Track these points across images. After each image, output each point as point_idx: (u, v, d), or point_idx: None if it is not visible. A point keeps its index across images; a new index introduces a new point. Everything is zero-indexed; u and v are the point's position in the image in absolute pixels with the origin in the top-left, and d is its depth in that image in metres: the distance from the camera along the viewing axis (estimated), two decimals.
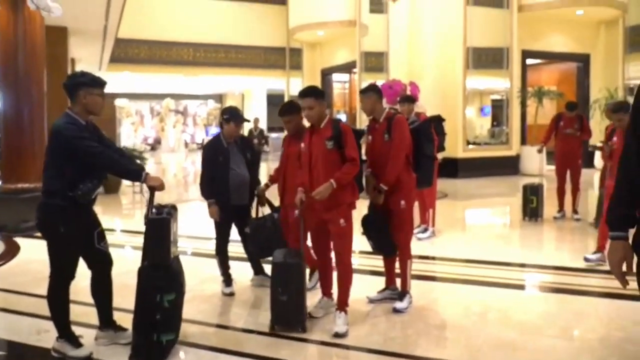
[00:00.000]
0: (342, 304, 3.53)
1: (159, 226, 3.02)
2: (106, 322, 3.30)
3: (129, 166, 3.22)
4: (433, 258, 5.48)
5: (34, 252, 5.05)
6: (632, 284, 1.87)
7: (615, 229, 1.85)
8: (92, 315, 3.38)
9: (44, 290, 3.14)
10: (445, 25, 12.70)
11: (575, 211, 7.28)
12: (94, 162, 3.02)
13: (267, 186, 4.32)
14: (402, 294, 3.93)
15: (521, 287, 4.63)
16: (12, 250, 2.00)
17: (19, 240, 6.00)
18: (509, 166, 13.10)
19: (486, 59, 12.97)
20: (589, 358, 3.18)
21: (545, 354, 3.20)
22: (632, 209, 1.80)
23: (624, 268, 1.83)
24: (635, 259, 1.82)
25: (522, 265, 5.19)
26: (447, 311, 4.00)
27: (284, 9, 16.42)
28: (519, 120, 13.60)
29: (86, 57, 13.13)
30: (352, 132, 3.53)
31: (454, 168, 12.47)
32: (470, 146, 13.51)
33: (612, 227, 1.87)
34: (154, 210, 3.12)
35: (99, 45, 11.69)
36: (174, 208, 3.18)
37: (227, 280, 4.34)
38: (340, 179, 3.40)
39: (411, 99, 6.36)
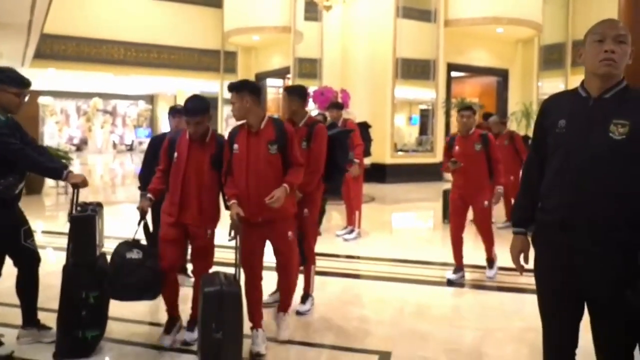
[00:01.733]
0: (287, 307, 3.55)
1: (84, 224, 3.04)
2: (30, 320, 3.27)
3: (49, 164, 3.20)
4: (358, 257, 5.74)
5: None
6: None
7: (517, 226, 2.20)
8: (12, 315, 3.33)
9: None
10: (377, 36, 13.20)
11: None
12: (13, 159, 3.00)
13: (150, 200, 3.29)
14: (305, 296, 4.01)
15: (439, 283, 4.97)
16: None
17: None
18: (434, 173, 13.75)
19: (414, 70, 13.58)
20: (491, 345, 3.52)
21: (453, 343, 3.51)
22: (531, 211, 2.13)
23: (522, 259, 2.17)
24: (531, 253, 2.14)
25: (442, 264, 5.55)
26: (367, 306, 4.26)
27: (219, 11, 16.37)
28: (444, 130, 14.32)
29: (8, 52, 12.50)
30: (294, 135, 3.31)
31: (382, 173, 12.98)
32: (399, 153, 14.12)
33: (514, 224, 2.21)
34: (78, 208, 3.14)
35: (23, 40, 11.20)
36: (99, 205, 3.21)
37: None
38: (292, 182, 3.17)
39: (340, 106, 6.66)
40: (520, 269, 2.19)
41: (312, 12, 13.58)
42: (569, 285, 1.98)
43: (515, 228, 2.22)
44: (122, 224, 6.49)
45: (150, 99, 28.04)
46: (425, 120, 17.20)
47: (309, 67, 13.76)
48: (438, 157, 13.97)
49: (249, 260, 3.20)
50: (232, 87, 3.18)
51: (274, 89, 19.69)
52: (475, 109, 4.93)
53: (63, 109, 27.27)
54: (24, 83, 3.14)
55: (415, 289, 4.72)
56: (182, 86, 21.84)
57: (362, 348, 3.39)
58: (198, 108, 3.15)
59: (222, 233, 3.25)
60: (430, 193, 11.87)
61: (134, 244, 3.06)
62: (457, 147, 4.77)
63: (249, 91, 3.14)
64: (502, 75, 15.20)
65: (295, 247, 3.37)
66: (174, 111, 4.40)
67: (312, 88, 10.56)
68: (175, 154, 3.19)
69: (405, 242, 6.90)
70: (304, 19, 13.68)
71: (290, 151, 3.18)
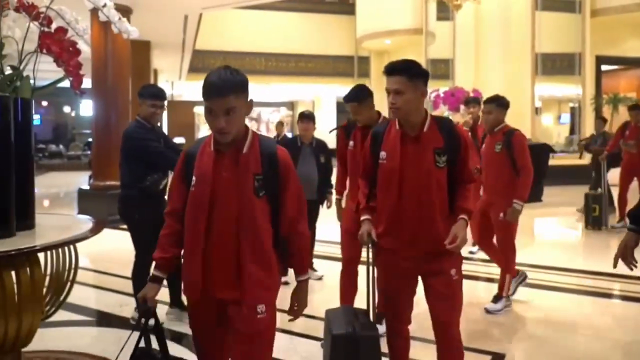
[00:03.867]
0: None
1: None
2: (175, 301, 3.78)
3: None
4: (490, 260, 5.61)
5: (119, 242, 5.69)
6: None
7: (632, 222, 2.15)
8: (163, 294, 3.88)
9: (126, 273, 3.70)
10: (513, 31, 12.57)
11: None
12: (155, 159, 3.52)
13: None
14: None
15: (570, 290, 4.69)
16: (99, 228, 2.47)
17: (107, 231, 6.76)
18: (582, 175, 12.70)
19: (556, 65, 12.70)
20: (618, 356, 3.29)
21: (573, 351, 3.34)
22: None
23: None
24: None
25: (579, 271, 5.21)
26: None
27: (352, 18, 16.83)
28: (593, 129, 13.15)
29: (167, 68, 14.18)
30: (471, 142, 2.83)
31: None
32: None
33: (633, 221, 2.15)
34: None
35: (179, 56, 12.62)
36: None
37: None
38: (470, 210, 2.33)
39: (478, 101, 5.65)
40: (629, 264, 2.12)
41: (444, 11, 13.38)
42: None
43: (631, 225, 2.14)
44: None
45: (291, 105, 29.60)
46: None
47: (442, 67, 13.57)
48: (587, 158, 12.89)
49: (393, 305, 2.41)
50: (398, 69, 2.24)
51: None
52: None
53: None
54: (156, 95, 3.65)
55: (543, 295, 4.51)
56: (319, 92, 22.78)
57: (475, 347, 3.37)
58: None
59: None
60: (574, 196, 11.00)
61: None
62: (483, 146, 4.14)
63: (424, 78, 2.28)
64: None
65: (461, 294, 2.35)
66: (302, 116, 4.78)
67: (442, 89, 10.46)
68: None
69: (543, 247, 6.57)
70: (436, 19, 13.53)
71: (464, 165, 2.32)
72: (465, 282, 2.42)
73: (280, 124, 12.19)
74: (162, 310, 3.76)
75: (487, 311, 3.94)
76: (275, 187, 1.87)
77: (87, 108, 21.54)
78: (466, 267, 4.17)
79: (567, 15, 12.56)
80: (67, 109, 25.00)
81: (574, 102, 14.12)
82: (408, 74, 2.23)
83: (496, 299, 4.02)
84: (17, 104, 2.48)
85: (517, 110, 12.46)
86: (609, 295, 4.53)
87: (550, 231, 8.25)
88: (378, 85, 17.45)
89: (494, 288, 4.28)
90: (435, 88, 11.00)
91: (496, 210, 3.90)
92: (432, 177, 2.27)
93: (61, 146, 21.07)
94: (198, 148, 1.95)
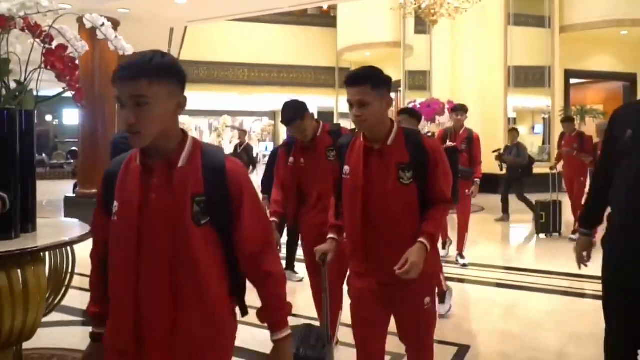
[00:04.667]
0: None
1: None
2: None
3: None
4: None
5: None
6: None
7: (585, 227, 2.42)
8: None
9: None
10: (487, 44, 13.05)
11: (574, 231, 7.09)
12: None
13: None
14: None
15: (531, 289, 5.02)
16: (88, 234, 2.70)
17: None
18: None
19: (529, 77, 13.20)
20: (575, 346, 3.61)
21: (535, 342, 3.66)
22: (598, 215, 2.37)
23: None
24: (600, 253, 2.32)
25: (536, 271, 5.56)
26: (457, 305, 4.50)
27: (333, 31, 17.20)
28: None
29: None
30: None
31: (494, 184, 12.70)
32: None
33: (583, 226, 2.43)
34: None
35: None
36: None
37: None
38: (434, 235, 2.10)
39: (465, 109, 5.82)
40: (582, 263, 2.40)
41: (421, 25, 13.82)
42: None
43: (583, 230, 2.43)
44: None
45: (273, 115, 29.86)
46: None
47: (420, 79, 13.98)
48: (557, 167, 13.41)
49: (364, 337, 2.20)
50: (360, 78, 2.07)
51: None
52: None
53: (197, 126, 30.04)
54: None
55: (507, 293, 4.85)
56: None
57: (442, 340, 3.67)
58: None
59: None
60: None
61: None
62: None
63: (388, 87, 2.12)
64: (630, 80, 14.16)
65: (434, 323, 2.26)
66: None
67: (419, 100, 10.85)
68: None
69: (501, 250, 6.95)
70: (414, 32, 13.94)
71: (434, 183, 2.11)
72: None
73: (243, 133, 12.32)
74: None
75: (442, 315, 3.87)
76: (224, 211, 1.41)
77: (70, 117, 21.50)
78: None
79: (538, 30, 13.08)
80: (49, 117, 24.89)
81: (546, 114, 14.65)
82: (372, 83, 2.04)
83: (441, 297, 3.99)
84: (21, 116, 2.71)
85: (491, 120, 12.99)
86: (570, 294, 4.87)
87: (514, 236, 8.67)
88: None
89: (465, 288, 4.58)
90: (413, 99, 11.39)
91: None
92: (398, 195, 2.07)
93: (44, 155, 20.98)
94: (121, 165, 1.51)
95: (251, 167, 10.89)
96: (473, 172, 5.45)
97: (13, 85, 2.77)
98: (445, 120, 10.03)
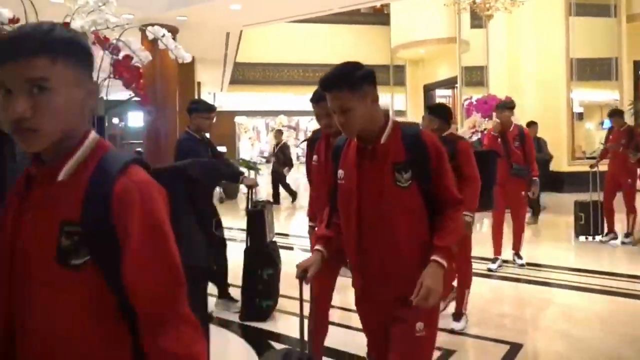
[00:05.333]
0: None
1: (256, 217, 3.90)
2: (222, 292, 4.22)
3: (229, 171, 4.20)
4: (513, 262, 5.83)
5: None
6: None
7: None
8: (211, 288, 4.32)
9: None
10: (547, 37, 12.61)
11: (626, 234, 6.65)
12: (203, 168, 4.00)
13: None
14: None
15: (590, 290, 4.90)
16: None
17: None
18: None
19: (594, 70, 12.66)
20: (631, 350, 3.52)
21: (592, 343, 3.59)
22: None
23: None
24: None
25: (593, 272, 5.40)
26: (512, 304, 4.45)
27: (387, 29, 17.16)
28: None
29: (210, 81, 14.87)
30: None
31: (560, 182, 12.28)
32: (579, 160, 13.16)
33: None
34: (251, 204, 4.03)
35: (220, 70, 13.25)
36: (268, 203, 4.08)
37: None
38: (448, 247, 1.79)
39: (511, 105, 5.48)
40: None
41: (477, 19, 13.55)
42: None
43: None
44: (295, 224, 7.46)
45: None
46: None
47: (477, 75, 13.71)
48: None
49: (379, 348, 1.98)
50: (335, 82, 1.80)
51: (443, 99, 19.87)
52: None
53: (254, 126, 30.70)
54: (211, 108, 4.19)
55: (564, 293, 4.75)
56: None
57: (494, 337, 3.67)
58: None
59: None
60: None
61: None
62: None
63: (369, 80, 1.83)
64: None
65: (426, 353, 1.92)
66: None
67: (476, 96, 10.66)
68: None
69: (554, 250, 6.72)
70: (470, 27, 13.69)
71: (439, 183, 1.84)
72: (492, 280, 2.50)
73: (279, 133, 12.48)
74: (211, 302, 4.21)
75: (453, 331, 3.72)
76: (110, 249, 0.95)
77: (135, 120, 22.50)
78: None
79: (602, 20, 12.52)
80: (115, 120, 26.20)
81: (609, 107, 14.01)
82: (349, 85, 1.76)
83: (457, 316, 3.80)
84: (94, 121, 2.97)
85: (553, 116, 12.55)
86: (628, 296, 4.69)
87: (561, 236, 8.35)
88: (413, 94, 17.73)
89: (519, 287, 4.54)
90: (469, 96, 11.21)
91: None
92: (396, 201, 1.80)
93: None
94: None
95: (287, 167, 11.42)
96: (529, 170, 5.20)
97: None
98: None
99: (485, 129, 9.90)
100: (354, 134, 1.86)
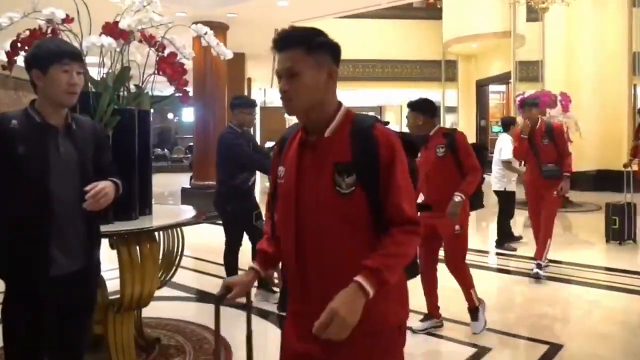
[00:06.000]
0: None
1: None
2: (261, 283, 4.32)
3: (269, 165, 4.27)
4: (560, 262, 5.66)
5: (215, 235, 6.41)
6: None
7: None
8: None
9: (221, 260, 4.36)
10: (607, 30, 12.05)
11: None
12: (244, 160, 4.10)
13: None
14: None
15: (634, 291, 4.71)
16: (200, 215, 3.12)
17: (206, 225, 7.55)
18: None
19: None
20: None
21: (635, 347, 3.46)
22: None
23: None
24: None
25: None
26: (554, 305, 4.35)
27: (438, 23, 16.88)
28: None
29: (260, 77, 15.13)
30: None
31: (619, 181, 11.72)
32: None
33: None
34: None
35: (270, 66, 13.44)
36: None
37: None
38: (382, 269, 1.37)
39: (534, 103, 5.19)
40: None
41: (533, 12, 13.10)
42: None
43: None
44: None
45: (379, 110, 29.93)
46: None
47: (533, 70, 13.28)
48: None
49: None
50: (290, 39, 1.50)
51: (496, 95, 19.36)
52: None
53: None
54: (252, 104, 4.31)
55: (608, 295, 4.59)
56: (406, 97, 22.92)
57: (532, 337, 3.60)
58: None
59: None
60: None
61: None
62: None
63: (332, 53, 1.58)
64: None
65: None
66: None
67: (528, 92, 10.34)
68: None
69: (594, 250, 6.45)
70: (526, 21, 13.27)
71: (387, 194, 1.45)
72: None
73: None
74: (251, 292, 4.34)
75: (474, 333, 3.63)
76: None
77: (188, 115, 23.23)
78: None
79: None
80: (170, 115, 27.09)
81: None
82: (306, 45, 1.47)
83: (473, 313, 3.65)
84: (140, 115, 3.12)
85: (612, 112, 12.00)
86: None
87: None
88: (465, 88, 17.36)
89: (561, 288, 4.41)
90: (522, 91, 10.89)
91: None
92: (332, 209, 1.44)
93: (166, 150, 22.91)
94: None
95: None
96: (559, 169, 4.84)
97: (134, 89, 3.21)
98: (556, 114, 9.47)
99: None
100: (296, 110, 1.48)
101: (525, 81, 13.02)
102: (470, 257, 3.82)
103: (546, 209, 4.94)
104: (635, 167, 6.82)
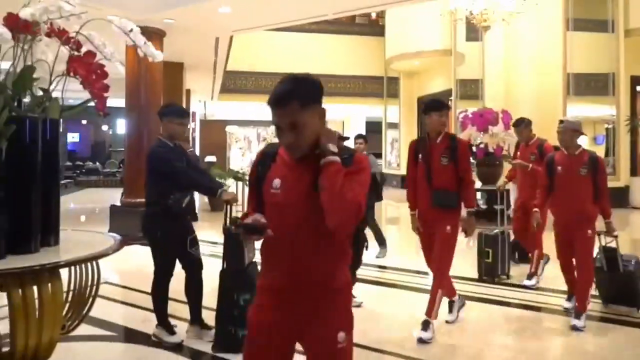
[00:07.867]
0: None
1: (234, 236, 3.48)
2: (195, 318, 3.81)
3: (206, 183, 3.78)
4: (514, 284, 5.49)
5: (147, 258, 5.84)
6: None
7: None
8: (184, 311, 3.93)
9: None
10: (543, 51, 12.41)
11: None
12: (177, 178, 3.58)
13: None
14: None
15: None
16: (121, 245, 2.59)
17: (136, 247, 6.88)
18: (617, 198, 12.34)
19: (590, 85, 12.46)
20: None
21: None
22: None
23: None
24: None
25: None
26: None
27: (381, 40, 16.95)
28: (628, 150, 12.84)
29: (200, 89, 14.53)
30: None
31: None
32: None
33: None
34: (230, 221, 3.63)
35: (211, 77, 12.92)
36: None
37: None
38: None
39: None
40: None
41: (473, 32, 13.32)
42: None
43: None
44: None
45: None
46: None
47: (472, 88, 13.47)
48: (622, 180, 12.55)
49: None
50: (285, 96, 1.67)
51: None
52: None
53: (245, 136, 30.37)
54: (184, 114, 3.77)
55: None
56: (349, 112, 22.90)
57: None
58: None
59: None
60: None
61: None
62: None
63: (319, 96, 1.73)
64: None
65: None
66: None
67: (471, 109, 10.39)
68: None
69: None
70: (465, 40, 13.47)
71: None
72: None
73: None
74: (182, 328, 3.81)
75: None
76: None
77: (123, 126, 22.13)
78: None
79: (600, 35, 12.34)
80: (105, 127, 25.78)
81: (609, 123, 13.82)
82: (300, 100, 1.65)
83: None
84: (46, 124, 2.59)
85: (549, 130, 12.24)
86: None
87: None
88: (407, 105, 17.48)
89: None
90: (464, 109, 10.94)
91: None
92: (310, 217, 1.74)
93: (98, 163, 21.71)
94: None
95: None
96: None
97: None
98: (498, 131, 9.54)
99: (480, 143, 9.65)
100: (301, 152, 1.72)
101: (466, 99, 13.18)
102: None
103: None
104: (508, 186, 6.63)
